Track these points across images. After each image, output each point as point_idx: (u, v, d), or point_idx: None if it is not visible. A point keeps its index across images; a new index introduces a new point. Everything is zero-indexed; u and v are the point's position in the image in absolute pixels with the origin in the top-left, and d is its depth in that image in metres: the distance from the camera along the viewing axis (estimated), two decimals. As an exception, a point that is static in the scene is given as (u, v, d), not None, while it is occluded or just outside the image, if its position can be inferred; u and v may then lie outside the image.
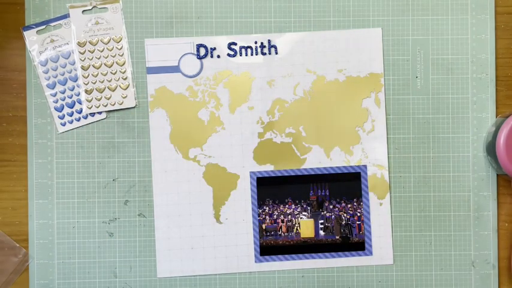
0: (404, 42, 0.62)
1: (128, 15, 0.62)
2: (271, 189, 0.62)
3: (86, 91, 0.61)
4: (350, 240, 0.62)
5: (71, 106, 0.61)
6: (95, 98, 0.61)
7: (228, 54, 0.62)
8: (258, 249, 0.62)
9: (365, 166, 0.62)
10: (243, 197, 0.62)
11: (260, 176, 0.62)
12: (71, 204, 0.61)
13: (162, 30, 0.62)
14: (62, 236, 0.61)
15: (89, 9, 0.61)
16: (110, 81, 0.62)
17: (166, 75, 0.61)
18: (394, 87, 0.62)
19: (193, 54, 0.61)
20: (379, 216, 0.62)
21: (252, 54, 0.62)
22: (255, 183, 0.62)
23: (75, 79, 0.62)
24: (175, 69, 0.61)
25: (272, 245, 0.62)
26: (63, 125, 0.61)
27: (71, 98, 0.61)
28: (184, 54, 0.61)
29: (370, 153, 0.62)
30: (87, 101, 0.61)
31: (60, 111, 0.61)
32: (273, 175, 0.62)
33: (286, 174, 0.62)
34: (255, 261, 0.62)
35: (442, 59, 0.62)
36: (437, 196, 0.62)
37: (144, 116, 0.62)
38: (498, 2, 0.63)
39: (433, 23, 0.62)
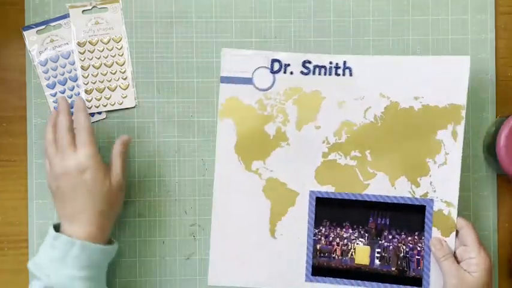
0: (404, 42, 0.62)
1: (128, 15, 0.62)
2: (330, 211, 0.60)
3: (86, 91, 0.61)
4: (406, 274, 0.60)
5: (71, 106, 0.61)
6: (95, 98, 0.61)
7: (302, 72, 0.60)
8: (310, 269, 0.60)
9: (431, 200, 0.59)
10: (301, 215, 0.61)
11: (320, 196, 0.60)
12: (71, 204, 0.61)
13: (162, 30, 0.62)
14: (62, 236, 0.61)
15: (89, 9, 0.61)
16: (109, 81, 0.62)
17: (239, 86, 0.61)
18: (394, 87, 0.62)
19: (267, 68, 0.61)
20: None
21: (325, 74, 0.60)
22: (314, 203, 0.60)
23: (75, 79, 0.62)
24: (248, 81, 0.61)
25: (325, 266, 0.60)
26: (63, 125, 0.61)
27: (70, 98, 0.61)
28: (258, 68, 0.61)
29: (438, 187, 0.59)
30: (87, 101, 0.61)
31: (60, 111, 0.61)
32: (333, 197, 0.60)
33: (346, 197, 0.60)
34: (305, 280, 0.60)
35: (442, 59, 0.62)
36: (437, 196, 0.62)
37: (144, 115, 0.62)
38: (498, 2, 0.63)
39: (433, 23, 0.62)
